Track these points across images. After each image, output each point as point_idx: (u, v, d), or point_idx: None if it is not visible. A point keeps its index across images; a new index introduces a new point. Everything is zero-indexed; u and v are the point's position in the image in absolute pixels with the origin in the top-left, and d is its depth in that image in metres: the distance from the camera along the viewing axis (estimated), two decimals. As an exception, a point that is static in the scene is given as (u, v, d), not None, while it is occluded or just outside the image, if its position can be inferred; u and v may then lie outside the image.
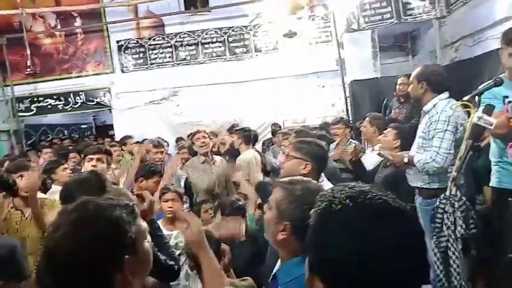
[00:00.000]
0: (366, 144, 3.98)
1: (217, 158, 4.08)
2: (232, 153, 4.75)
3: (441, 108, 2.54)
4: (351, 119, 6.61)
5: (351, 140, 4.09)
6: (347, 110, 7.20)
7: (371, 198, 0.71)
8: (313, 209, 0.77)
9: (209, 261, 1.44)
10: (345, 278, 0.67)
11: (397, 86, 4.75)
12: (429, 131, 2.55)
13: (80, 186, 1.69)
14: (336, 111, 7.51)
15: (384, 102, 5.43)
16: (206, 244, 1.48)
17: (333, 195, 0.74)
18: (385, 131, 3.20)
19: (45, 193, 3.48)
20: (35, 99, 8.26)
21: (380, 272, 0.65)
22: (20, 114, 8.27)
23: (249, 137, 4.47)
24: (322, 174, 2.10)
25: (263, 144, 6.62)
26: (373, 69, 6.68)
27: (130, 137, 5.97)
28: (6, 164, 3.88)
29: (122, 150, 5.53)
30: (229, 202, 2.81)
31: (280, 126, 6.95)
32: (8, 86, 8.13)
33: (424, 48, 7.13)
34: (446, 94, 2.61)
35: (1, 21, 8.11)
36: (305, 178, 1.39)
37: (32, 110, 8.32)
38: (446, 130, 2.47)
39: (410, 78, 2.78)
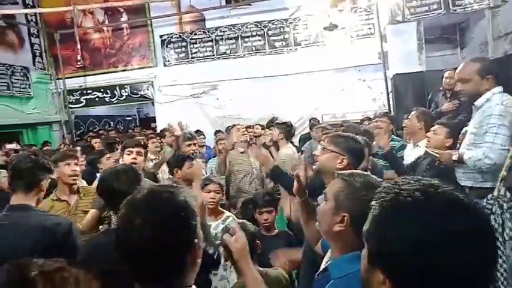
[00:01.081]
0: (407, 139, 3.85)
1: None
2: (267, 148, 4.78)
3: (495, 102, 2.41)
4: (392, 114, 6.41)
5: (393, 136, 3.98)
6: (389, 104, 6.99)
7: (441, 192, 0.70)
8: (374, 200, 0.76)
9: (249, 270, 1.47)
10: (411, 271, 0.67)
11: (444, 80, 4.54)
12: (482, 126, 2.43)
13: (115, 178, 1.76)
14: (377, 106, 7.32)
15: (429, 97, 5.22)
16: (248, 255, 1.52)
17: (399, 187, 0.73)
18: (433, 128, 3.04)
19: (92, 181, 3.69)
20: (84, 91, 8.73)
21: (449, 267, 0.64)
22: (71, 106, 8.78)
23: (290, 132, 4.47)
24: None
25: (300, 139, 6.60)
26: (418, 63, 6.42)
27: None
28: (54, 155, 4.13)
29: (161, 142, 5.72)
30: (262, 194, 2.85)
31: (318, 121, 6.87)
32: (61, 79, 8.65)
33: (474, 40, 6.75)
34: (500, 88, 2.48)
35: (55, 18, 8.63)
36: (365, 172, 1.38)
37: (82, 102, 8.81)
38: (501, 125, 2.34)
39: (466, 75, 2.57)
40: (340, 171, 1.36)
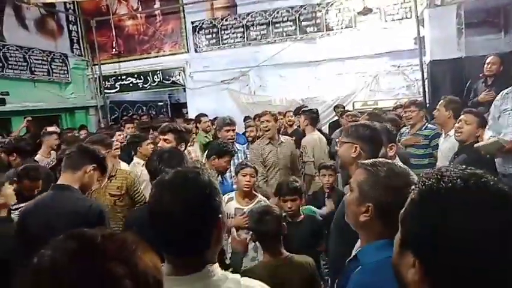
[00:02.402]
0: (440, 129, 3.72)
1: (284, 138, 4.11)
2: (300, 134, 4.76)
3: None
4: (428, 101, 6.20)
5: (427, 124, 3.85)
6: (424, 92, 6.74)
7: (485, 182, 0.69)
8: (415, 185, 0.76)
9: None
10: (443, 256, 0.67)
11: (486, 66, 4.32)
12: None
13: (161, 158, 1.84)
14: (411, 94, 7.08)
15: (467, 84, 4.99)
16: None
17: (441, 173, 0.73)
18: (464, 118, 2.91)
19: (129, 163, 3.84)
20: (119, 77, 8.99)
21: (484, 255, 0.64)
22: (106, 91, 9.08)
23: (316, 119, 4.44)
24: (397, 157, 2.04)
25: (329, 127, 6.52)
26: (457, 48, 6.11)
27: (204, 115, 6.25)
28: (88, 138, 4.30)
29: (197, 127, 5.82)
30: (286, 182, 2.86)
31: (344, 107, 6.75)
32: (96, 65, 8.94)
33: (520, 24, 6.35)
34: None
35: (91, 5, 8.87)
36: (389, 160, 1.36)
37: (116, 88, 9.08)
38: None
39: None
40: (363, 161, 1.35)
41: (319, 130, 4.76)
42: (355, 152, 1.87)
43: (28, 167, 3.14)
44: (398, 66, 7.30)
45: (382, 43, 7.17)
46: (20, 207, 2.66)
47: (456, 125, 2.92)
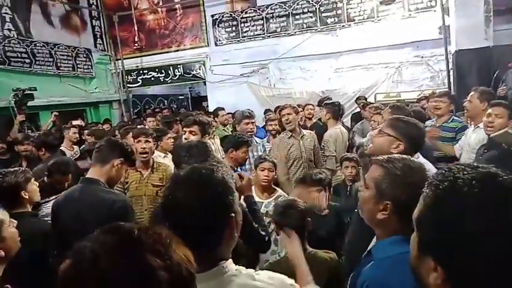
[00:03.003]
0: (468, 121, 3.62)
1: (305, 131, 4.09)
2: (319, 128, 4.72)
3: None
4: (453, 93, 6.02)
5: (453, 116, 3.75)
6: (449, 83, 6.57)
7: (501, 182, 0.68)
8: (427, 187, 0.75)
9: (301, 269, 1.54)
10: (464, 260, 0.66)
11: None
12: None
13: (186, 152, 1.88)
14: (435, 85, 6.91)
15: (495, 74, 4.83)
16: (302, 256, 1.61)
17: (454, 174, 0.71)
18: (495, 112, 2.81)
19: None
20: (141, 71, 9.14)
21: (504, 258, 0.63)
22: (129, 85, 9.24)
23: (338, 112, 4.38)
24: (418, 152, 2.00)
25: (351, 118, 6.45)
26: (484, 37, 5.91)
27: (222, 108, 6.29)
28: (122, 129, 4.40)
29: (215, 121, 5.87)
30: (310, 174, 2.84)
31: (365, 99, 6.64)
32: (119, 60, 9.10)
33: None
34: None
35: (113, 1, 9.03)
36: (404, 156, 1.33)
37: (138, 82, 9.24)
38: None
39: None
40: (377, 158, 1.32)
41: (342, 124, 4.69)
42: (396, 148, 1.81)
43: (58, 161, 3.25)
44: (422, 57, 7.13)
45: (405, 33, 7.00)
46: (51, 200, 2.77)
47: (485, 119, 2.81)
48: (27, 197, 2.26)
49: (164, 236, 0.71)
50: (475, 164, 0.74)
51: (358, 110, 6.57)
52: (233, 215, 1.06)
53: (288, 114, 3.88)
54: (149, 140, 3.11)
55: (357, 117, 6.00)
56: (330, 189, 2.85)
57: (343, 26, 7.56)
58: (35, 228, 2.17)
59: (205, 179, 1.06)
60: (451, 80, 6.48)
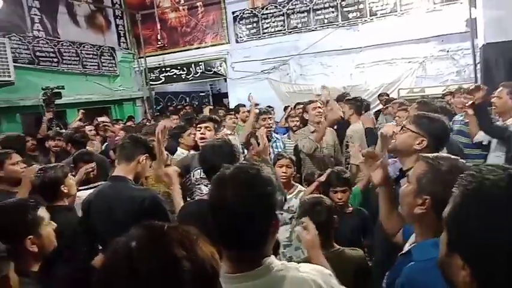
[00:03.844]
0: (498, 117, 3.52)
1: (327, 130, 4.08)
2: (341, 124, 4.68)
3: None
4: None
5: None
6: (475, 77, 6.38)
7: None
8: (456, 187, 0.76)
9: (319, 260, 1.55)
10: (492, 260, 0.67)
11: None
12: None
13: (211, 151, 1.90)
14: (461, 80, 6.73)
15: (525, 69, 4.67)
16: (318, 246, 1.61)
17: (483, 175, 0.72)
18: None
19: (173, 154, 3.98)
20: (163, 69, 9.28)
21: None
22: (151, 83, 9.41)
23: (361, 107, 4.33)
24: (444, 148, 1.98)
25: (374, 115, 6.34)
26: (513, 30, 5.72)
27: (243, 105, 6.33)
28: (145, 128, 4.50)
29: (236, 117, 5.91)
30: (336, 174, 2.84)
31: (388, 95, 6.53)
32: (142, 58, 9.27)
33: None
34: None
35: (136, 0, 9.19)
36: (451, 156, 1.32)
37: (161, 79, 9.39)
38: None
39: None
40: (424, 154, 1.33)
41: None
42: (419, 144, 1.80)
43: (82, 151, 3.38)
44: (447, 51, 6.94)
45: (430, 27, 6.83)
46: (79, 191, 2.88)
47: None
48: (66, 191, 2.36)
49: (192, 233, 0.76)
50: (505, 166, 0.74)
51: (379, 107, 6.47)
52: (277, 213, 1.09)
53: (318, 107, 3.93)
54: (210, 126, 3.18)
55: (378, 115, 5.91)
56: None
57: (365, 20, 7.44)
58: (73, 221, 2.25)
59: (253, 179, 1.06)
60: (478, 75, 6.30)
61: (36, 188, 2.38)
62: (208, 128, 3.14)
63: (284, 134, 4.98)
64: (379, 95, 6.72)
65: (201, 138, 3.08)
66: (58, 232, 1.73)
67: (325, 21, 7.75)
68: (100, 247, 2.30)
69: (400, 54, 7.17)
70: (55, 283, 1.82)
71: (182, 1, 9.01)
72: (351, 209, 2.72)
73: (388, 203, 1.69)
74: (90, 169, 3.10)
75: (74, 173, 3.14)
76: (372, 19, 7.38)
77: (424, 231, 1.24)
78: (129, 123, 6.99)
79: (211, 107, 7.52)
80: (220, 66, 8.77)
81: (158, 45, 9.02)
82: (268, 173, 1.09)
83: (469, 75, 6.64)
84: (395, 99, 5.66)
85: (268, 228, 1.06)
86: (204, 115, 3.27)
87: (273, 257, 1.09)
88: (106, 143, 5.37)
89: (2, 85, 5.63)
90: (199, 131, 3.21)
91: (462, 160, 1.28)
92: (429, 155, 1.31)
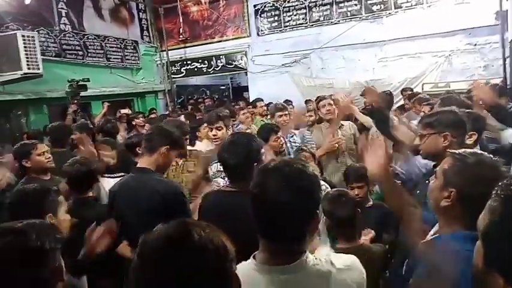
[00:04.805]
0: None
1: (345, 122, 4.03)
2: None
3: None
4: (508, 83, 5.67)
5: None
6: (504, 72, 6.17)
7: None
8: (495, 192, 0.72)
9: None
10: None
11: None
12: None
13: (227, 149, 1.91)
14: (489, 74, 6.51)
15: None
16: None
17: None
18: None
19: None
20: (185, 62, 9.37)
21: None
22: (173, 76, 9.52)
23: (391, 102, 4.27)
24: (478, 145, 1.94)
25: (396, 110, 6.23)
26: (546, 23, 5.49)
27: (261, 99, 6.34)
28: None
29: (253, 112, 5.93)
30: (353, 170, 2.82)
31: (412, 90, 6.38)
32: (164, 51, 9.38)
33: None
34: None
35: (158, -7, 9.29)
36: (478, 151, 1.32)
37: (182, 73, 9.49)
38: None
39: None
40: (452, 151, 1.32)
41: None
42: (446, 140, 1.78)
43: (106, 138, 3.51)
44: (475, 44, 6.72)
45: (457, 20, 6.62)
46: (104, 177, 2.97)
47: None
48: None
49: (213, 228, 0.81)
50: None
51: (402, 102, 6.34)
52: (318, 211, 1.09)
53: (328, 104, 3.84)
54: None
55: (400, 110, 5.79)
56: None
57: (389, 13, 7.28)
58: (101, 212, 2.32)
59: (298, 173, 1.06)
60: (507, 70, 6.08)
61: (71, 178, 2.47)
62: (219, 128, 3.18)
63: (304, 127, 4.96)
64: (402, 90, 6.59)
65: (215, 139, 3.13)
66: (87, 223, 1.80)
67: (348, 14, 7.63)
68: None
69: (426, 48, 7.00)
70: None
71: (204, -6, 9.04)
72: (370, 203, 2.70)
73: (389, 190, 1.65)
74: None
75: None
76: (397, 11, 7.21)
77: (447, 223, 1.24)
78: (152, 116, 7.10)
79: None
80: (241, 59, 8.78)
81: (180, 39, 9.11)
82: (313, 170, 1.11)
83: (497, 70, 6.41)
84: (419, 93, 5.54)
85: (308, 224, 1.06)
86: (213, 114, 3.29)
87: (308, 252, 1.09)
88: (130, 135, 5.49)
89: (31, 77, 5.81)
90: (211, 131, 3.24)
91: (490, 155, 1.26)
92: (457, 150, 1.30)
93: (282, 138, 3.27)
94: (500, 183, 0.73)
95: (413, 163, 2.77)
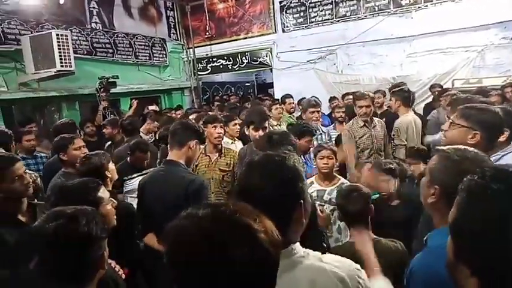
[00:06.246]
0: None
1: (376, 120, 3.98)
2: (390, 116, 4.55)
3: None
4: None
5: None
6: (542, 68, 5.88)
7: None
8: (461, 193, 0.73)
9: (370, 261, 1.60)
10: (497, 273, 0.65)
11: None
12: None
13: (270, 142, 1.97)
14: (525, 70, 6.24)
15: None
16: (372, 250, 1.67)
17: (486, 182, 0.68)
18: None
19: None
20: (210, 59, 9.48)
21: None
22: (199, 73, 9.65)
23: (409, 99, 4.18)
24: (511, 143, 1.88)
25: (424, 108, 6.07)
26: None
27: (290, 96, 6.32)
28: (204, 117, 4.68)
29: (282, 108, 5.93)
30: (379, 163, 2.78)
31: (441, 86, 6.19)
32: (191, 48, 9.52)
33: None
34: None
35: (185, -9, 9.41)
36: (468, 147, 1.32)
37: (208, 70, 9.60)
38: None
39: None
40: (440, 147, 1.35)
41: (414, 111, 4.46)
42: (473, 138, 1.75)
43: (138, 141, 3.58)
44: (511, 39, 6.44)
45: (491, 12, 6.36)
46: (134, 178, 3.06)
47: None
48: (110, 176, 2.50)
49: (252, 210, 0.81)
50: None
51: (431, 100, 6.17)
52: (302, 201, 1.11)
53: (366, 107, 3.75)
54: (222, 125, 3.30)
55: (429, 108, 5.63)
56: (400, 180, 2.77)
57: (419, 7, 7.08)
58: (120, 206, 2.41)
59: (277, 166, 1.13)
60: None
61: (83, 174, 2.54)
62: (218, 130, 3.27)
63: (328, 124, 4.93)
64: (431, 86, 6.42)
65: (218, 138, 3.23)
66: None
67: (376, 8, 7.47)
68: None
69: (457, 43, 6.77)
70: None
71: (230, -9, 9.09)
72: (397, 201, 2.65)
73: None
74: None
75: (129, 160, 3.35)
76: (427, 5, 7.00)
77: (438, 220, 1.26)
78: (178, 112, 7.24)
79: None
80: (266, 56, 8.78)
81: (206, 36, 9.22)
82: (294, 162, 1.15)
83: (534, 65, 6.14)
84: (449, 89, 5.38)
85: (291, 215, 1.09)
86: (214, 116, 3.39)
87: (298, 244, 1.12)
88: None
89: (64, 74, 6.05)
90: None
91: (475, 151, 1.26)
92: (445, 147, 1.33)
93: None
94: (466, 178, 0.74)
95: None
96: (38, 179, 3.18)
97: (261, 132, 3.10)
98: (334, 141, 4.11)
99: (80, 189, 1.80)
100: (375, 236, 2.01)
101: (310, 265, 1.08)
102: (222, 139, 3.36)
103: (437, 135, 3.79)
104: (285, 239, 1.06)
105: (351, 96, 5.50)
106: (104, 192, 1.84)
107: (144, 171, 3.11)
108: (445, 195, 1.19)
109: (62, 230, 1.19)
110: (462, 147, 1.32)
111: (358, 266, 1.15)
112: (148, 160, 3.36)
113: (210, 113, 5.22)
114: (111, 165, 2.56)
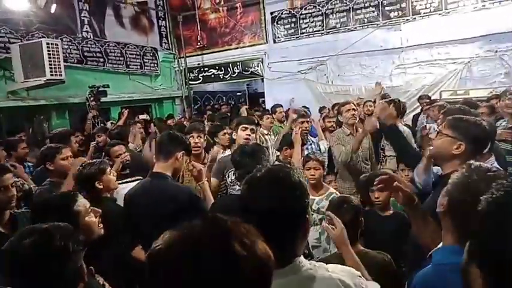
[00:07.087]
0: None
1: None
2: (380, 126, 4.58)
3: None
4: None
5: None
6: (526, 80, 6.02)
7: None
8: (485, 195, 0.76)
9: (350, 256, 1.59)
10: (506, 275, 0.67)
11: None
12: None
13: (240, 154, 1.97)
14: (510, 81, 6.37)
15: None
16: (347, 242, 1.63)
17: (508, 189, 0.72)
18: None
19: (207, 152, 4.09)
20: (202, 69, 9.50)
21: None
22: (190, 82, 9.66)
23: (400, 109, 4.24)
24: (492, 155, 1.91)
25: (413, 120, 6.15)
26: None
27: (280, 105, 6.36)
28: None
29: (273, 117, 5.95)
30: (375, 174, 2.80)
31: (429, 97, 6.29)
32: (182, 58, 9.54)
33: None
34: None
35: (178, 1, 9.47)
36: (485, 164, 1.33)
37: (199, 79, 9.62)
38: None
39: None
40: (470, 162, 1.32)
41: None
42: (458, 149, 1.77)
43: (111, 142, 3.61)
44: (496, 51, 6.60)
45: (477, 26, 6.52)
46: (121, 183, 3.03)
47: None
48: (101, 187, 2.47)
49: (252, 230, 0.79)
50: None
51: (419, 111, 6.25)
52: (307, 216, 1.12)
53: (352, 109, 3.86)
54: (200, 135, 3.27)
55: (417, 119, 5.71)
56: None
57: (407, 20, 7.23)
58: (115, 211, 2.37)
59: (283, 181, 1.10)
60: (529, 77, 5.94)
61: (77, 182, 2.54)
62: (252, 131, 3.24)
63: (316, 136, 4.96)
64: (419, 97, 6.51)
65: (246, 139, 3.15)
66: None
67: (365, 20, 7.61)
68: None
69: (444, 55, 6.91)
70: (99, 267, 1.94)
71: (222, 2, 9.17)
72: (391, 212, 2.66)
73: (416, 220, 1.65)
74: (126, 160, 3.27)
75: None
76: (415, 18, 7.15)
77: (444, 234, 1.26)
78: (169, 121, 7.22)
79: (247, 107, 7.60)
80: (257, 66, 8.84)
81: (198, 46, 9.26)
82: (298, 176, 1.13)
83: (519, 77, 6.28)
84: (437, 101, 5.47)
85: (297, 230, 1.09)
86: (248, 117, 3.34)
87: (302, 257, 1.11)
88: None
89: (54, 83, 6.00)
90: (243, 131, 3.22)
91: (501, 171, 1.27)
92: (471, 162, 1.31)
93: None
94: (492, 186, 0.76)
95: (431, 174, 2.73)
96: (25, 185, 3.12)
97: (248, 132, 3.13)
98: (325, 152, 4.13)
99: (55, 205, 1.78)
100: (363, 248, 2.01)
101: (322, 277, 1.08)
102: (202, 148, 3.35)
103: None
104: (290, 254, 1.08)
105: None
106: (81, 205, 1.78)
107: (129, 179, 3.09)
108: (451, 207, 1.20)
109: (36, 246, 1.18)
110: (486, 164, 1.33)
111: (359, 273, 1.17)
112: (128, 158, 3.32)
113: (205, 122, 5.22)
114: (109, 175, 2.54)
